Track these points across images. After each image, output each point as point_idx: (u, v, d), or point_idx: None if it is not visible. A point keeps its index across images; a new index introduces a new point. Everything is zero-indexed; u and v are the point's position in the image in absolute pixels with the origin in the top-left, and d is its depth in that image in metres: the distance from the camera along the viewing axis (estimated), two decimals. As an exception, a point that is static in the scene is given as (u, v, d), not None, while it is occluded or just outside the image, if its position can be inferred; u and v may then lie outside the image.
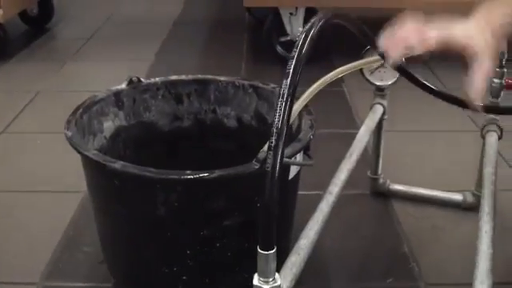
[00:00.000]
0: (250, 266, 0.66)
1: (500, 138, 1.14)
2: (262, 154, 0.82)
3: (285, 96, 0.64)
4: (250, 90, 1.12)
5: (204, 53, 2.29)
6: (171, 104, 1.15)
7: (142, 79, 1.13)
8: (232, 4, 2.57)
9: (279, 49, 2.06)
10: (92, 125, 1.04)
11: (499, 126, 1.14)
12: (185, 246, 0.88)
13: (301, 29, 2.02)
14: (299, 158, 0.91)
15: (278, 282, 0.65)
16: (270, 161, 0.62)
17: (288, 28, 2.03)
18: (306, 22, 1.97)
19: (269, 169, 0.62)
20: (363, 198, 1.31)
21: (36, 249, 1.15)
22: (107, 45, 2.38)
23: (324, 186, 0.92)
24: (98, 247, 1.02)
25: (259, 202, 0.86)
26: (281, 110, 0.63)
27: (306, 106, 0.90)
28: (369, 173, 1.30)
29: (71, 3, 2.93)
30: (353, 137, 1.06)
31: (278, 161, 0.62)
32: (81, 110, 1.01)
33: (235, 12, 2.63)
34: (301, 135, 0.91)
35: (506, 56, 1.13)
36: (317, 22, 0.71)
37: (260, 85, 1.11)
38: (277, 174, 0.62)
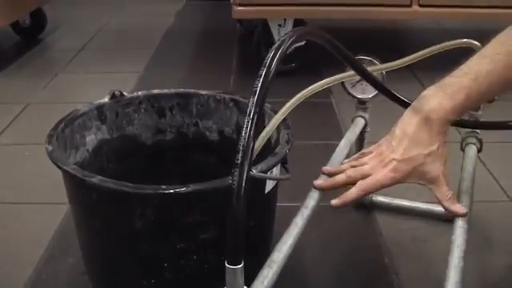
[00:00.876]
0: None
1: (480, 150, 1.15)
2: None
3: (251, 114, 0.65)
4: (231, 104, 1.13)
5: (193, 65, 2.31)
6: (154, 118, 1.17)
7: (124, 93, 1.14)
8: (223, 15, 2.58)
9: (268, 60, 2.08)
10: (74, 139, 1.06)
11: (479, 139, 1.16)
12: (162, 259, 0.89)
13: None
14: (276, 171, 0.92)
15: (247, 294, 0.66)
16: (235, 178, 0.63)
17: (277, 39, 2.04)
18: (294, 33, 2.01)
19: (234, 186, 0.63)
20: (346, 209, 1.32)
21: (21, 260, 1.16)
22: (98, 56, 2.40)
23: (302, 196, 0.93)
24: (80, 258, 1.03)
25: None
26: (247, 127, 0.65)
27: (284, 119, 0.91)
28: (352, 185, 1.31)
29: (64, 14, 2.95)
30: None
31: (244, 178, 0.63)
32: (63, 124, 1.03)
33: (227, 23, 2.65)
34: (277, 149, 0.93)
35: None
36: (287, 39, 0.73)
37: (240, 99, 1.12)
38: (242, 191, 0.63)
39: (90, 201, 0.90)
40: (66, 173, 0.89)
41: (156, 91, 1.17)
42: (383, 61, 1.13)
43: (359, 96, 1.20)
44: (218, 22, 2.82)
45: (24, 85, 2.09)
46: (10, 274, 1.12)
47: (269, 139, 0.87)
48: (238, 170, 0.63)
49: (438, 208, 1.26)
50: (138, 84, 2.02)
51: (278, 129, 0.99)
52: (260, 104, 0.65)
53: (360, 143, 1.26)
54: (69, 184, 0.94)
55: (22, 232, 1.25)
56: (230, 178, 0.82)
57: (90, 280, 1.03)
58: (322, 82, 0.98)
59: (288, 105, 0.89)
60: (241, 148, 0.64)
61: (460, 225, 0.88)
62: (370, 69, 1.05)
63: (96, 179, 0.85)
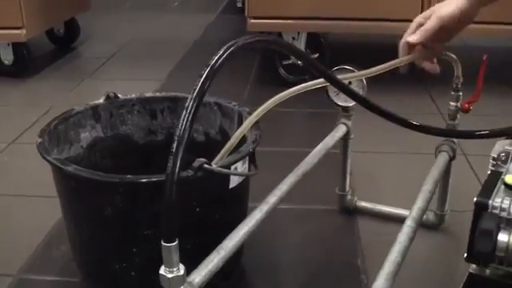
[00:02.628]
0: (194, 266, 0.77)
1: (452, 158, 1.20)
2: (196, 163, 0.92)
3: (188, 109, 0.73)
4: (215, 108, 1.21)
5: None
6: (146, 119, 1.26)
7: (118, 95, 1.23)
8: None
9: (282, 72, 2.15)
10: (69, 135, 1.15)
11: (453, 148, 1.20)
12: (131, 244, 0.97)
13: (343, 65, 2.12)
14: (241, 168, 0.99)
15: (181, 272, 0.73)
16: (169, 165, 0.71)
17: (290, 52, 2.12)
18: (307, 46, 2.08)
19: (168, 172, 0.71)
20: (330, 213, 1.38)
21: (20, 246, 1.26)
22: (125, 64, 2.52)
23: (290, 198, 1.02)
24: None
25: (197, 207, 0.96)
26: (183, 120, 0.72)
27: (257, 122, 0.99)
28: (337, 189, 1.37)
29: (98, 24, 3.09)
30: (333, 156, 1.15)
31: (178, 165, 0.71)
32: (56, 121, 1.13)
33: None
34: (242, 147, 1.00)
35: (461, 80, 1.19)
36: (232, 45, 0.80)
37: (223, 103, 1.20)
38: (175, 177, 0.71)
39: (69, 189, 0.99)
40: (49, 163, 0.98)
41: (148, 94, 1.26)
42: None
43: (341, 104, 1.26)
44: (244, 33, 2.91)
45: (52, 88, 2.23)
46: (8, 258, 1.21)
47: (243, 138, 0.95)
48: (172, 158, 0.71)
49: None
50: (158, 91, 2.12)
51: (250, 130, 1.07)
52: (199, 98, 0.72)
53: (344, 150, 1.32)
54: (54, 174, 1.03)
55: (25, 221, 1.36)
56: (189, 171, 0.91)
57: (76, 265, 1.11)
58: (292, 89, 1.05)
59: (263, 107, 0.96)
60: (176, 138, 0.71)
61: (408, 224, 0.93)
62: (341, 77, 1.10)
63: (71, 168, 0.94)
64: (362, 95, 1.15)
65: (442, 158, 1.17)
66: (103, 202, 0.94)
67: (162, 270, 0.73)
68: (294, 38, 2.10)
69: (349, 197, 1.37)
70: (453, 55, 1.17)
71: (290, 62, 2.12)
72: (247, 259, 1.19)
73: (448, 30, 1.08)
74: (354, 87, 1.25)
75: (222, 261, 0.83)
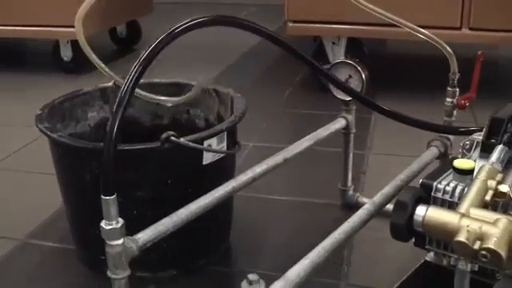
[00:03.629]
0: (167, 236, 0.82)
1: (444, 155, 1.20)
2: (164, 135, 0.97)
3: (134, 71, 0.78)
4: (214, 94, 1.26)
5: (259, 78, 2.46)
6: (153, 103, 1.32)
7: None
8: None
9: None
10: (75, 112, 1.23)
11: (445, 144, 1.20)
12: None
13: (342, 57, 2.14)
14: (218, 146, 1.04)
15: (119, 225, 0.78)
16: (109, 124, 0.77)
17: (330, 56, 2.14)
18: (348, 51, 2.10)
19: (107, 130, 0.77)
20: (331, 207, 1.39)
21: (30, 216, 1.35)
22: (176, 66, 2.61)
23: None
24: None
25: (169, 179, 1.01)
26: (128, 81, 0.78)
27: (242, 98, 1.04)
28: (339, 185, 1.39)
29: (160, 28, 3.21)
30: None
31: (116, 124, 0.77)
32: (62, 98, 1.21)
33: (309, 42, 2.78)
34: (217, 126, 1.05)
35: (457, 76, 1.19)
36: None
37: (220, 89, 1.25)
38: (114, 136, 0.76)
39: (56, 156, 1.07)
40: (40, 130, 1.06)
41: (155, 80, 1.32)
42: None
43: (340, 97, 1.28)
44: (300, 40, 2.96)
45: (104, 85, 2.35)
46: (19, 224, 1.32)
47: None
48: (112, 116, 0.76)
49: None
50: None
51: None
52: (144, 66, 0.78)
53: (346, 145, 1.34)
54: (50, 146, 1.11)
55: (42, 194, 1.45)
56: (157, 142, 0.97)
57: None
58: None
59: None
60: (118, 98, 0.77)
61: (366, 206, 0.95)
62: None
63: (56, 135, 1.01)
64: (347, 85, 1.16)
65: (430, 153, 1.17)
66: (83, 168, 1.01)
67: (102, 223, 0.78)
68: (334, 43, 2.12)
69: (350, 192, 1.38)
70: (449, 49, 1.17)
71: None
72: (235, 240, 1.23)
73: None
74: (354, 81, 1.28)
75: (172, 226, 0.87)
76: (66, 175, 1.08)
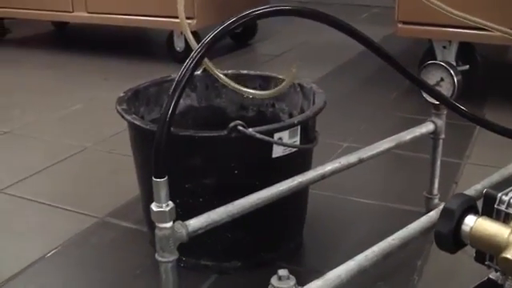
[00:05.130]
0: (231, 226, 0.82)
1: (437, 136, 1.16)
2: (232, 124, 0.97)
3: (194, 56, 0.78)
4: (298, 89, 1.24)
5: (365, 79, 2.41)
6: (239, 95, 1.32)
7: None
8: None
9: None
10: (161, 98, 1.26)
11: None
12: (174, 196, 1.04)
13: (453, 63, 2.05)
14: (289, 139, 1.02)
15: (168, 208, 0.79)
16: (165, 106, 0.77)
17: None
18: (458, 56, 2.01)
19: (162, 112, 0.77)
20: (414, 214, 1.33)
21: (119, 192, 1.41)
22: (286, 63, 2.62)
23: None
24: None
25: (236, 169, 1.01)
26: (187, 64, 0.78)
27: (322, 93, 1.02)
28: (424, 192, 1.33)
29: (277, 25, 3.23)
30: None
31: (171, 106, 0.77)
32: (147, 83, 1.24)
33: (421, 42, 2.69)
34: (289, 119, 1.03)
35: None
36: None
37: (304, 84, 1.23)
38: (168, 119, 0.77)
39: (130, 137, 1.10)
40: (117, 111, 1.09)
41: (243, 72, 1.32)
42: None
43: (430, 100, 1.22)
44: (416, 44, 2.87)
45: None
46: (102, 202, 1.37)
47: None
48: (168, 100, 0.77)
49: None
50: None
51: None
52: (208, 45, 0.78)
53: (434, 151, 1.27)
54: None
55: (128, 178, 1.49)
56: (224, 131, 0.97)
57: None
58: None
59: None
60: (176, 81, 0.77)
61: (430, 214, 0.89)
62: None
63: (130, 117, 1.04)
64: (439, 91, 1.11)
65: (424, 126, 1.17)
66: (150, 151, 1.03)
67: (152, 205, 0.79)
68: (444, 47, 2.03)
69: (436, 201, 1.32)
70: None
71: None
72: (308, 239, 1.21)
73: None
74: (446, 84, 1.22)
75: (226, 215, 0.87)
76: (139, 157, 1.10)
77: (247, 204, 0.90)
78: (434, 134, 1.24)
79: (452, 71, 1.20)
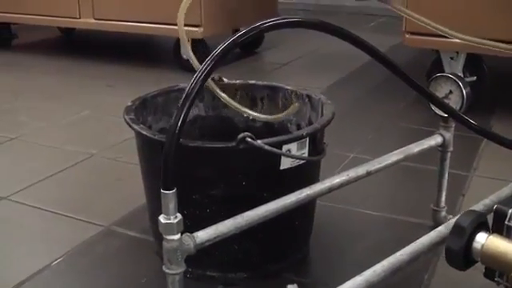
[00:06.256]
0: (239, 238, 0.82)
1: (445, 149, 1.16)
2: (240, 136, 0.96)
3: (205, 65, 0.78)
4: (306, 100, 1.24)
5: (371, 88, 2.40)
6: (247, 105, 1.32)
7: (223, 78, 1.31)
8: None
9: (436, 92, 2.09)
10: (168, 107, 1.26)
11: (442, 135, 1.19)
12: (181, 207, 1.04)
13: (459, 74, 2.04)
14: (297, 151, 1.02)
15: (176, 221, 0.79)
16: (174, 118, 0.77)
17: (447, 71, 2.05)
18: (466, 67, 2.00)
19: (171, 124, 0.77)
20: (421, 227, 1.33)
21: (124, 200, 1.40)
22: (294, 71, 2.62)
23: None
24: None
25: (244, 181, 1.01)
26: (197, 75, 0.77)
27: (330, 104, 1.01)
28: (432, 205, 1.32)
29: (285, 35, 3.23)
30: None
31: (181, 118, 0.77)
32: (156, 92, 1.24)
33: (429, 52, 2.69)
34: (297, 131, 1.02)
35: None
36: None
37: (312, 95, 1.23)
38: (177, 131, 0.76)
39: (137, 146, 1.09)
40: (125, 121, 1.09)
41: (251, 82, 1.32)
42: None
43: (438, 112, 1.21)
44: (423, 55, 2.86)
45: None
46: (109, 210, 1.37)
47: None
48: (177, 111, 0.76)
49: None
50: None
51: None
52: (214, 61, 0.77)
53: (441, 163, 1.27)
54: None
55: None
56: (232, 142, 0.96)
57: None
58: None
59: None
60: (186, 91, 0.76)
61: (439, 229, 0.89)
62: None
63: (138, 127, 1.04)
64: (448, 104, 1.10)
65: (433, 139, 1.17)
66: (159, 161, 1.02)
67: (161, 217, 0.79)
68: (452, 58, 2.03)
69: (443, 213, 1.31)
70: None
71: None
72: (314, 250, 1.20)
73: None
74: (455, 97, 1.21)
75: (235, 228, 0.86)
76: (146, 166, 1.10)
77: (255, 216, 0.89)
78: (442, 146, 1.24)
79: (461, 83, 1.20)
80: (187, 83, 1.26)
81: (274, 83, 1.31)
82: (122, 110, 1.13)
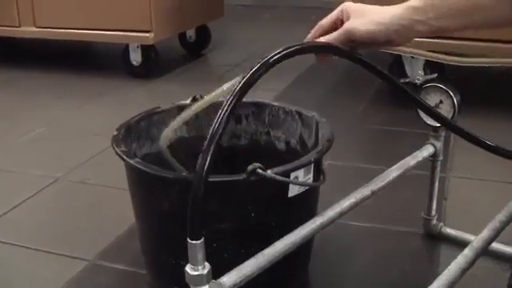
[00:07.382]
0: None
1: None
2: (250, 167, 0.92)
3: (226, 107, 0.73)
4: (296, 117, 1.20)
5: (331, 90, 2.39)
6: (231, 123, 1.27)
7: (205, 97, 1.26)
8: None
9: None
10: (151, 131, 1.19)
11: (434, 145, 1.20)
12: (186, 242, 0.98)
13: (420, 72, 2.05)
14: (304, 178, 0.98)
15: (205, 271, 0.74)
16: (200, 161, 0.71)
17: (408, 70, 2.06)
18: (426, 65, 2.01)
19: (197, 168, 0.71)
20: (412, 236, 1.32)
21: (105, 229, 1.33)
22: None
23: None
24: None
25: (253, 212, 0.96)
26: (219, 117, 0.72)
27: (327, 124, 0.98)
28: (423, 213, 1.31)
29: (230, 33, 3.18)
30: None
31: (207, 162, 0.71)
32: (139, 117, 1.17)
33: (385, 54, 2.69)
34: (304, 157, 0.98)
35: None
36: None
37: (304, 112, 1.19)
38: (204, 174, 0.71)
39: (132, 181, 1.03)
40: (116, 154, 1.02)
41: (235, 98, 1.27)
42: None
43: (429, 122, 1.20)
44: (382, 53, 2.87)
45: (175, 90, 2.32)
46: (90, 242, 1.30)
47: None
48: (202, 154, 0.71)
49: (508, 249, 1.22)
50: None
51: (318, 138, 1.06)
52: (238, 96, 0.73)
53: (432, 172, 1.26)
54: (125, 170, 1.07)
55: (115, 213, 1.42)
56: (243, 174, 0.91)
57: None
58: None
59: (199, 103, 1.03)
60: (209, 134, 0.71)
61: (465, 253, 0.87)
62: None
63: (133, 161, 0.97)
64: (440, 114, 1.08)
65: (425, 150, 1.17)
66: (160, 196, 0.97)
67: (188, 267, 0.74)
68: (413, 57, 2.03)
69: (434, 221, 1.30)
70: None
71: (408, 80, 2.06)
72: (313, 272, 1.17)
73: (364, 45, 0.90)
74: (446, 106, 1.20)
75: (258, 268, 0.82)
76: (142, 201, 1.04)
77: (276, 253, 0.85)
78: (434, 156, 1.23)
79: (451, 92, 1.19)
80: (168, 105, 1.22)
81: (260, 100, 1.27)
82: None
